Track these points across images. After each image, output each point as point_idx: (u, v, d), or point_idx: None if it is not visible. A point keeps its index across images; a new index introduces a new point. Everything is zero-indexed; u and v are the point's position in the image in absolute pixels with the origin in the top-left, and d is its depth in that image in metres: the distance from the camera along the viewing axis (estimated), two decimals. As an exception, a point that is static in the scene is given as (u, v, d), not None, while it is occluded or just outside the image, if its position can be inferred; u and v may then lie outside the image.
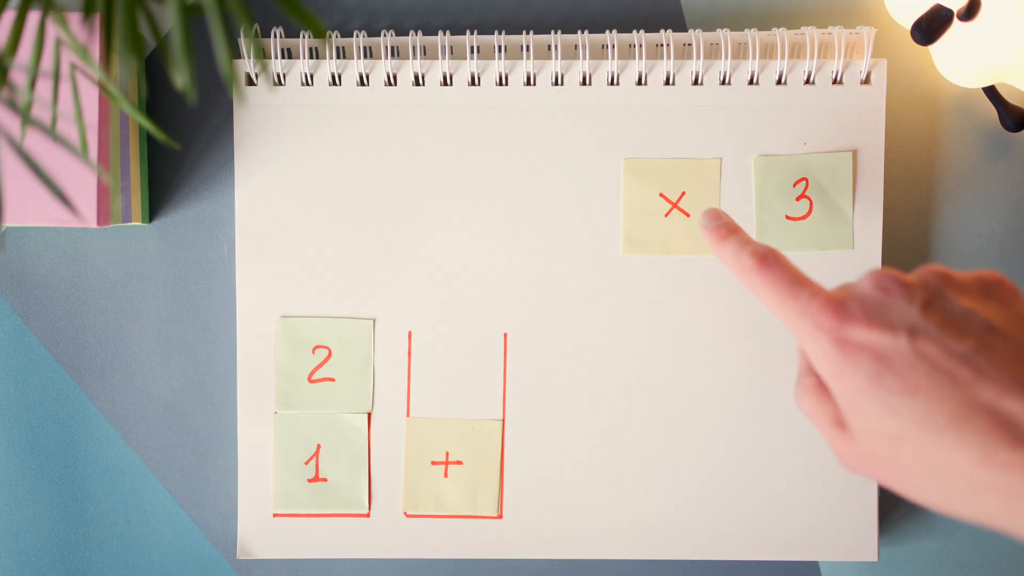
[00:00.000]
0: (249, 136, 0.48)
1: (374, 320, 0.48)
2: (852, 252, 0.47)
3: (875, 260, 0.47)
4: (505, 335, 0.48)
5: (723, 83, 0.47)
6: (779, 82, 0.47)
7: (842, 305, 0.35)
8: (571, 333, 0.48)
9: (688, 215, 0.47)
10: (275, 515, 0.48)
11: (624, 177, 0.47)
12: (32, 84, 0.33)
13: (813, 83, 0.47)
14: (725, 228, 0.42)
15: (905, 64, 0.49)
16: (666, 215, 0.47)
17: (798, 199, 0.47)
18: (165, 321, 0.50)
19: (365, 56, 0.47)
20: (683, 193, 0.47)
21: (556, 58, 0.46)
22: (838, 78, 0.47)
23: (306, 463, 0.48)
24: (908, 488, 0.34)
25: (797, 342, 0.37)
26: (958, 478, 0.32)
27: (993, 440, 0.32)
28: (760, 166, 0.47)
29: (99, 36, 0.41)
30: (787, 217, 0.47)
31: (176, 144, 0.50)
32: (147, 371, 0.50)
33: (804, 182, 0.47)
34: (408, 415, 0.48)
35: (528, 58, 0.47)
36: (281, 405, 0.48)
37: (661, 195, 0.47)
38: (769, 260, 0.38)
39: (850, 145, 0.47)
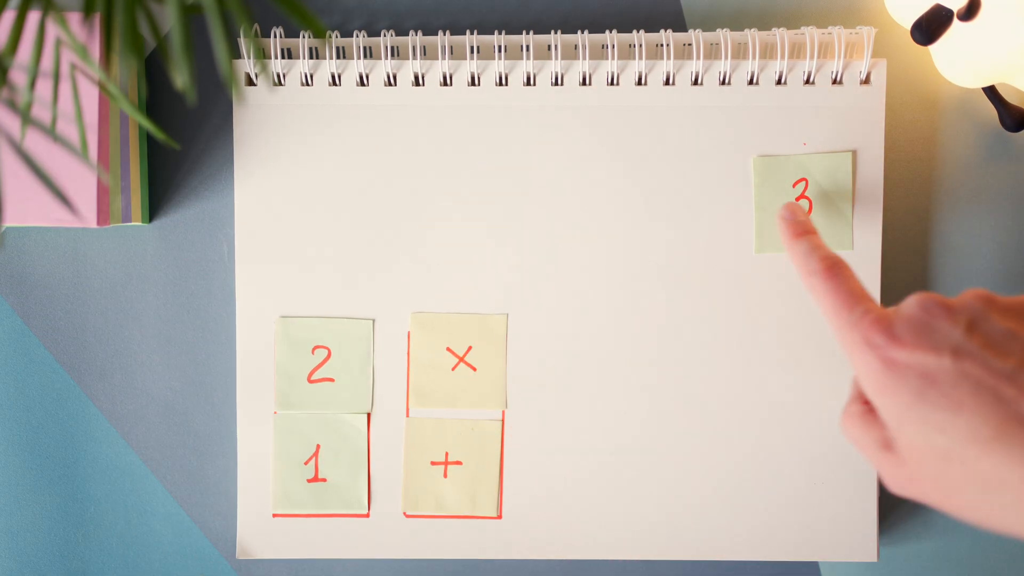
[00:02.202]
0: (249, 136, 0.48)
1: (374, 320, 0.48)
2: (851, 252, 0.47)
3: (875, 260, 0.47)
4: (505, 335, 0.48)
5: (723, 83, 0.47)
6: (779, 82, 0.47)
7: (891, 325, 0.37)
8: (571, 334, 0.48)
9: (475, 369, 0.48)
10: (275, 515, 0.48)
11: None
12: (32, 84, 0.33)
13: (813, 83, 0.47)
14: (801, 226, 0.44)
15: (905, 64, 0.49)
16: (453, 369, 0.48)
17: (797, 199, 0.47)
18: (165, 321, 0.50)
19: (365, 56, 0.47)
20: (469, 347, 0.48)
21: (556, 58, 0.46)
22: (838, 78, 0.47)
23: (306, 463, 0.48)
24: (956, 506, 0.35)
25: (850, 363, 0.39)
26: (1006, 492, 0.33)
27: None
28: (760, 167, 0.47)
29: (99, 36, 0.41)
30: None
31: (176, 144, 0.50)
32: (147, 371, 0.50)
33: (804, 182, 0.47)
34: (407, 415, 0.48)
35: (528, 58, 0.47)
36: (281, 405, 0.48)
37: (448, 349, 0.48)
38: (835, 269, 0.40)
39: (850, 145, 0.47)
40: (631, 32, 0.47)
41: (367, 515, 0.48)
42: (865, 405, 0.39)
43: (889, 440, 0.37)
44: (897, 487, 0.38)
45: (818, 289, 0.41)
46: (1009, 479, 0.33)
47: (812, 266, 0.41)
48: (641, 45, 0.46)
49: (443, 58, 0.47)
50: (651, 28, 0.49)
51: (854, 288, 0.40)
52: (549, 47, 0.47)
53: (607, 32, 0.47)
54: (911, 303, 0.38)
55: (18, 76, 0.40)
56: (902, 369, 0.36)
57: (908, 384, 0.36)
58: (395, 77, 0.47)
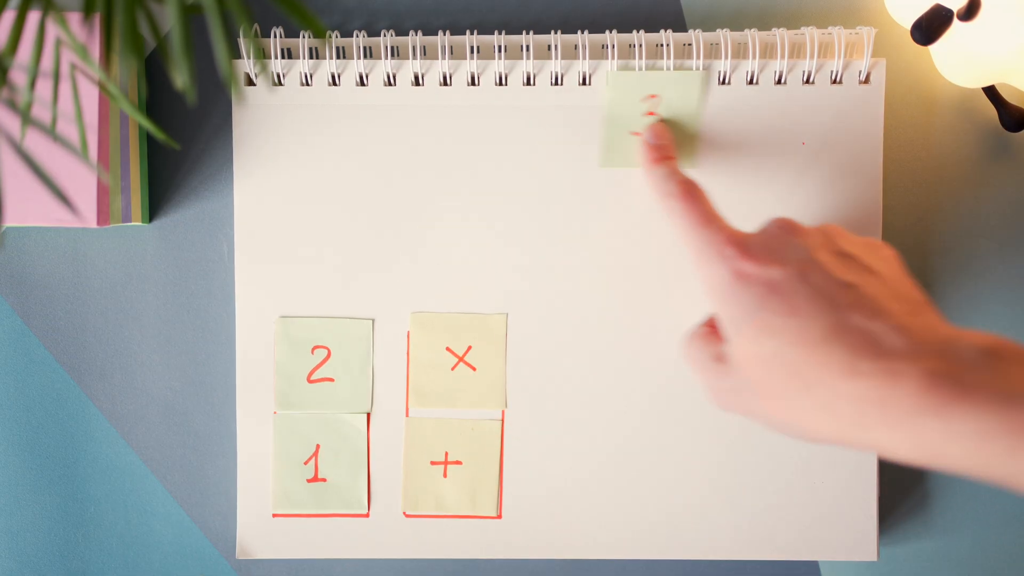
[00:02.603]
0: (248, 136, 0.48)
1: (373, 320, 0.48)
2: (697, 170, 0.47)
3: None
4: (504, 335, 0.48)
5: (722, 83, 0.47)
6: (778, 82, 0.47)
7: (745, 240, 0.39)
8: (571, 334, 0.48)
9: (474, 369, 0.48)
10: (274, 515, 0.48)
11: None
12: (32, 84, 0.33)
13: (812, 83, 0.47)
14: (661, 151, 0.45)
15: (905, 64, 0.49)
16: (452, 368, 0.48)
17: (646, 115, 0.47)
18: (165, 321, 0.50)
19: (365, 56, 0.47)
20: (469, 347, 0.48)
21: (556, 58, 0.46)
22: (837, 78, 0.47)
23: (305, 463, 0.48)
24: (771, 409, 0.37)
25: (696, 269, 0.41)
26: (821, 391, 0.35)
27: (858, 354, 0.35)
28: (613, 81, 0.47)
29: (99, 36, 0.41)
30: (632, 133, 0.47)
31: (176, 144, 0.50)
32: (147, 371, 0.50)
33: (654, 98, 0.47)
34: (407, 415, 0.48)
35: (528, 58, 0.47)
36: (280, 405, 0.48)
37: (447, 349, 0.48)
38: (691, 193, 0.42)
39: (849, 145, 0.47)
40: (631, 32, 0.47)
41: (367, 515, 0.48)
42: (709, 327, 0.41)
43: (722, 354, 0.39)
44: (719, 399, 0.40)
45: (675, 210, 0.42)
46: (825, 379, 0.35)
47: (670, 188, 0.43)
48: (641, 45, 0.46)
49: (443, 58, 0.47)
50: (651, 28, 0.49)
51: (709, 209, 0.42)
52: (549, 47, 0.47)
53: (607, 32, 0.47)
54: (769, 223, 0.40)
55: (18, 76, 0.40)
56: (749, 279, 0.38)
57: (752, 292, 0.38)
58: (395, 77, 0.47)
